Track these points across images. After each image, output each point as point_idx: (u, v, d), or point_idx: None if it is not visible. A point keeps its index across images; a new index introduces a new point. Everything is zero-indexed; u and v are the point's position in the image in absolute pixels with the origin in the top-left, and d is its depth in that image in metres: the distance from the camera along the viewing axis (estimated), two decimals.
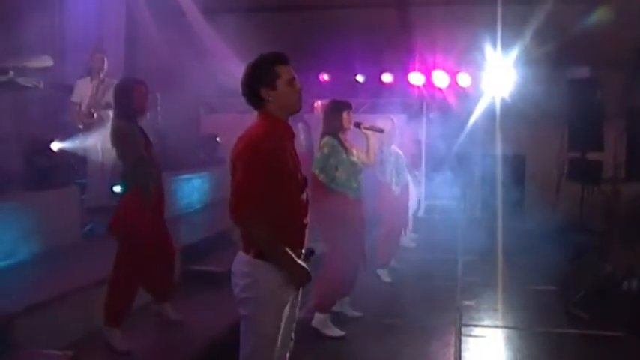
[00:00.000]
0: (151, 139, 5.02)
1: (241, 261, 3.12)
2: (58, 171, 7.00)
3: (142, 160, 4.76)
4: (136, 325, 5.06)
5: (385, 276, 7.08)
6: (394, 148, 7.31)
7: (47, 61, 7.26)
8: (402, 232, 8.07)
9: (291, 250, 3.06)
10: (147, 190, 4.77)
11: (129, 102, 4.77)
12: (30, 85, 6.92)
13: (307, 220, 3.23)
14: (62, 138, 7.19)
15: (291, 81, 3.09)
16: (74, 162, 7.42)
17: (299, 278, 3.09)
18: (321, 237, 5.11)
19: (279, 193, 3.03)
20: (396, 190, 7.21)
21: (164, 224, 5.14)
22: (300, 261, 3.09)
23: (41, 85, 7.09)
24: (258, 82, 3.07)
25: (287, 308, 3.17)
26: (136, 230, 4.70)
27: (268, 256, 3.03)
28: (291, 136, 3.22)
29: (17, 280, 5.25)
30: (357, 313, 5.80)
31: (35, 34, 7.76)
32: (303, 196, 3.20)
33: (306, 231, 3.23)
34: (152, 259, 4.89)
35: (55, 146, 7.05)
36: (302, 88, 3.17)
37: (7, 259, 5.61)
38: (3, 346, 4.15)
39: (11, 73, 6.57)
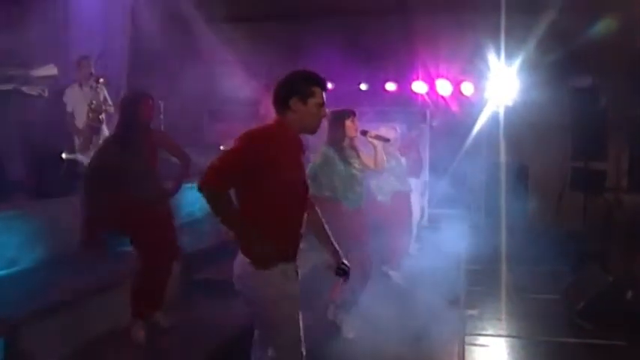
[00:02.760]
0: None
1: (242, 263, 3.18)
2: (63, 180, 7.02)
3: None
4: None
5: (397, 278, 7.14)
6: (396, 154, 7.38)
7: (52, 70, 7.30)
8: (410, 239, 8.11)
9: (283, 259, 3.16)
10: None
11: (135, 114, 4.85)
12: (34, 93, 6.96)
13: (302, 231, 3.31)
14: (67, 147, 7.21)
15: (320, 105, 3.22)
16: (80, 170, 7.42)
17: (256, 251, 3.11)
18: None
19: (272, 197, 3.11)
20: (382, 198, 7.27)
21: (167, 232, 5.19)
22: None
23: (45, 94, 7.12)
24: (293, 91, 3.18)
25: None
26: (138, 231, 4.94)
27: (226, 224, 3.20)
28: (299, 147, 3.30)
29: (21, 287, 5.25)
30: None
31: (40, 43, 7.79)
32: (303, 209, 3.31)
33: (300, 243, 3.31)
34: (156, 264, 5.00)
35: (65, 155, 7.08)
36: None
37: (12, 266, 5.63)
38: (8, 354, 4.16)
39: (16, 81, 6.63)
